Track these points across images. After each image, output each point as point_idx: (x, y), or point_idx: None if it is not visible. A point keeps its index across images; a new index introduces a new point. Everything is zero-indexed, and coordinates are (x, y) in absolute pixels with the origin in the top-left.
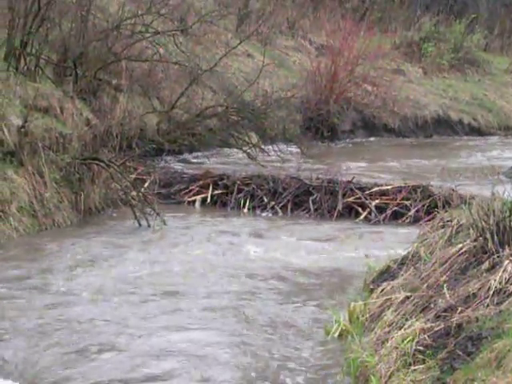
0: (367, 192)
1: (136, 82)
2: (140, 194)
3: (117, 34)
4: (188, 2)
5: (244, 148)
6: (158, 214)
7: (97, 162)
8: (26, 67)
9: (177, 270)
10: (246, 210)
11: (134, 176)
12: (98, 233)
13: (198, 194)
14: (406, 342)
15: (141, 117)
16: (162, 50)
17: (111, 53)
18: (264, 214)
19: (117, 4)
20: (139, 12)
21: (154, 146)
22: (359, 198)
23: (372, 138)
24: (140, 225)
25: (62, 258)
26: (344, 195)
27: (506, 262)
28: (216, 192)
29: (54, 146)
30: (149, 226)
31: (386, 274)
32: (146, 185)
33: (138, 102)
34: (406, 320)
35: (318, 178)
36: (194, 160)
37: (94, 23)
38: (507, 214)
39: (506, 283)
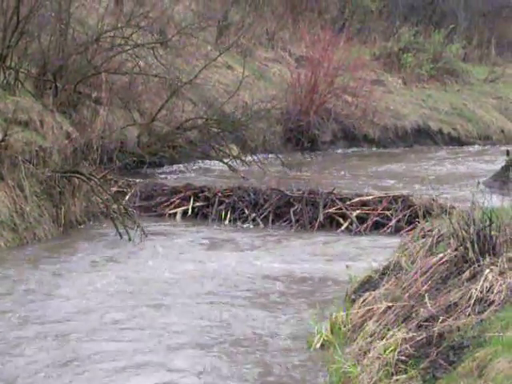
0: (348, 203)
1: (116, 94)
2: (121, 206)
3: (96, 47)
4: (167, 15)
5: (225, 160)
6: (138, 227)
7: (77, 175)
8: (5, 81)
9: (158, 283)
10: (227, 222)
11: (114, 189)
12: (78, 246)
13: (178, 206)
14: (388, 351)
15: (121, 129)
16: (141, 63)
17: (91, 66)
18: (245, 226)
19: (96, 17)
20: (119, 25)
21: (135, 158)
22: (340, 209)
23: (352, 149)
24: (121, 237)
25: (43, 272)
26: (325, 206)
27: (487, 271)
28: (197, 204)
29: (34, 159)
30: (130, 238)
31: (368, 284)
32: (127, 197)
33: (119, 114)
34: (388, 330)
35: (298, 190)
36: (175, 172)
37: (73, 36)
38: (487, 223)
39: (487, 292)
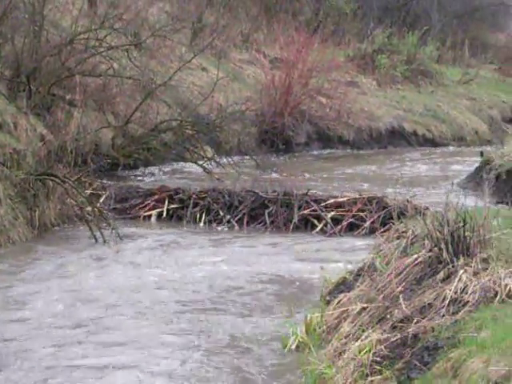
0: (323, 204)
1: (90, 96)
2: (95, 209)
3: (70, 49)
4: (142, 17)
5: (199, 162)
6: (113, 229)
7: (52, 177)
8: None
9: (132, 285)
10: (201, 224)
11: (89, 191)
12: (53, 249)
13: (153, 208)
14: (362, 353)
15: (95, 132)
16: (115, 65)
17: (65, 68)
18: (220, 228)
19: (70, 19)
20: (93, 27)
21: (109, 160)
22: (315, 211)
23: (327, 150)
24: (96, 240)
25: (16, 275)
26: (300, 208)
27: (461, 271)
28: (172, 206)
29: (7, 162)
30: (105, 241)
31: (343, 285)
32: (102, 200)
33: (93, 116)
34: (363, 331)
35: (273, 191)
36: (150, 174)
37: (47, 38)
38: (461, 224)
39: (461, 293)
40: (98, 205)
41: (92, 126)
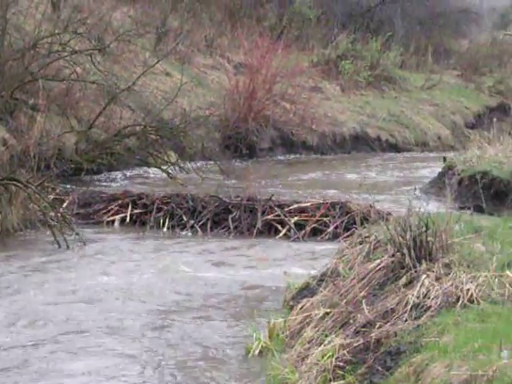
0: (286, 209)
1: (53, 101)
2: (59, 214)
3: (33, 53)
4: (105, 21)
5: (163, 167)
6: (77, 235)
7: (14, 182)
8: None
9: (94, 291)
10: (165, 229)
11: (52, 196)
12: (15, 254)
13: (117, 213)
14: (325, 358)
15: (59, 136)
16: (79, 70)
17: (28, 72)
18: (183, 233)
19: (33, 23)
20: (56, 31)
21: (73, 165)
22: (278, 216)
23: (291, 156)
24: (59, 246)
25: None
26: (263, 213)
27: (423, 276)
28: (135, 211)
29: None
30: (68, 246)
31: (306, 290)
32: (65, 205)
33: (56, 121)
34: (326, 336)
35: (237, 196)
36: (113, 179)
37: (10, 42)
38: (424, 229)
39: (424, 298)
40: (61, 210)
41: (55, 131)
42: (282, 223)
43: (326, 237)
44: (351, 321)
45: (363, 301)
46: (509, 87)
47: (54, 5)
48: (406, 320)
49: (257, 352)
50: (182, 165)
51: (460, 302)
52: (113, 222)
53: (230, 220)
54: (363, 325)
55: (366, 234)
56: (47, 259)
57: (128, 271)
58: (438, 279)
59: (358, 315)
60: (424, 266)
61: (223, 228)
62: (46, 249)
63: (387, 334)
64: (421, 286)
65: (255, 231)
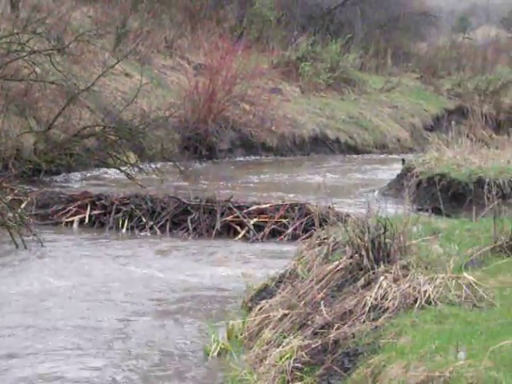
0: (245, 211)
1: (12, 101)
2: (17, 215)
3: None
4: (65, 21)
5: (122, 168)
6: (35, 235)
7: None
8: None
9: (52, 292)
10: (124, 231)
11: (10, 197)
12: None
13: (75, 214)
14: (283, 359)
15: (17, 137)
16: (38, 70)
17: None
18: (142, 234)
19: None
20: (15, 30)
21: (31, 166)
22: (237, 217)
23: (250, 157)
24: (17, 246)
25: None
26: (222, 214)
27: (381, 278)
28: (94, 212)
29: None
30: (25, 247)
31: (264, 292)
32: (23, 206)
33: (15, 121)
34: (284, 337)
35: (196, 198)
36: (72, 180)
37: None
38: (382, 231)
39: (382, 299)
40: (20, 211)
41: (14, 131)
42: (241, 224)
43: (285, 238)
44: (309, 322)
45: (321, 302)
46: (467, 90)
47: (13, 4)
48: (364, 321)
49: (216, 354)
50: (141, 166)
51: (417, 303)
52: (71, 222)
53: (189, 221)
54: (321, 326)
55: (325, 236)
56: (3, 260)
57: (84, 272)
58: (395, 281)
59: (317, 317)
60: (382, 267)
61: (182, 229)
62: (4, 249)
63: (345, 335)
64: (379, 288)
65: (214, 232)
